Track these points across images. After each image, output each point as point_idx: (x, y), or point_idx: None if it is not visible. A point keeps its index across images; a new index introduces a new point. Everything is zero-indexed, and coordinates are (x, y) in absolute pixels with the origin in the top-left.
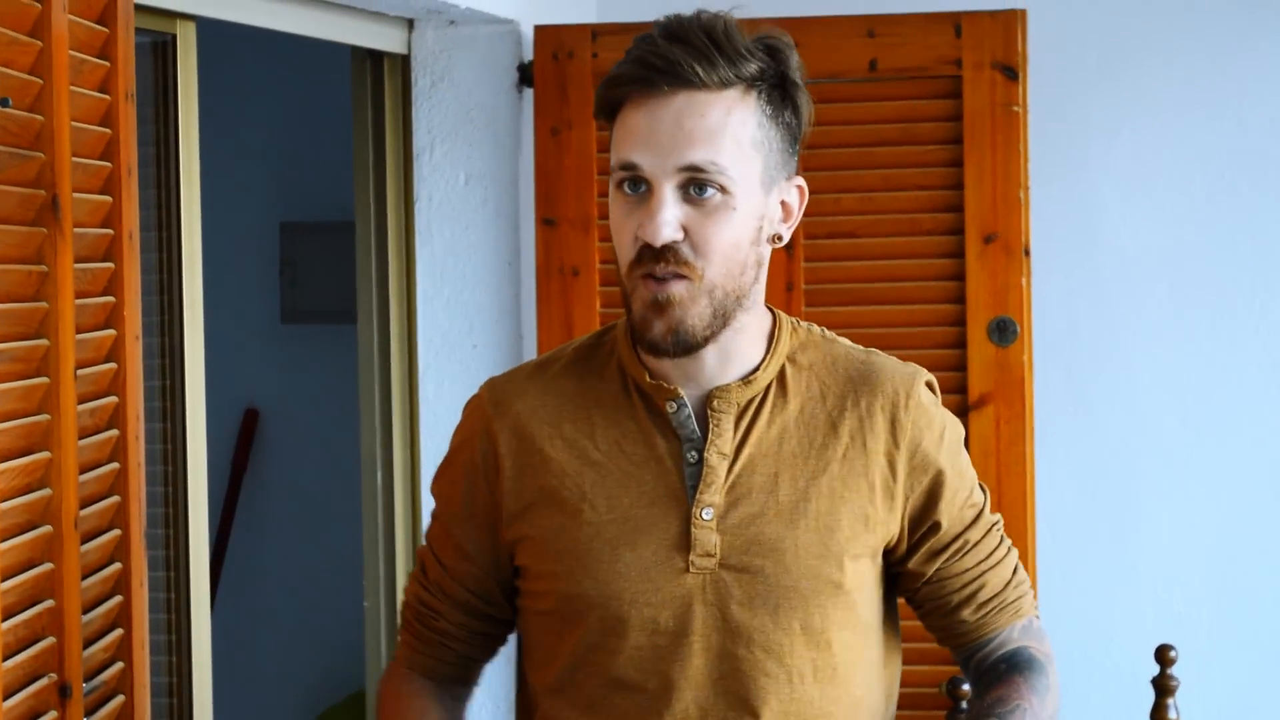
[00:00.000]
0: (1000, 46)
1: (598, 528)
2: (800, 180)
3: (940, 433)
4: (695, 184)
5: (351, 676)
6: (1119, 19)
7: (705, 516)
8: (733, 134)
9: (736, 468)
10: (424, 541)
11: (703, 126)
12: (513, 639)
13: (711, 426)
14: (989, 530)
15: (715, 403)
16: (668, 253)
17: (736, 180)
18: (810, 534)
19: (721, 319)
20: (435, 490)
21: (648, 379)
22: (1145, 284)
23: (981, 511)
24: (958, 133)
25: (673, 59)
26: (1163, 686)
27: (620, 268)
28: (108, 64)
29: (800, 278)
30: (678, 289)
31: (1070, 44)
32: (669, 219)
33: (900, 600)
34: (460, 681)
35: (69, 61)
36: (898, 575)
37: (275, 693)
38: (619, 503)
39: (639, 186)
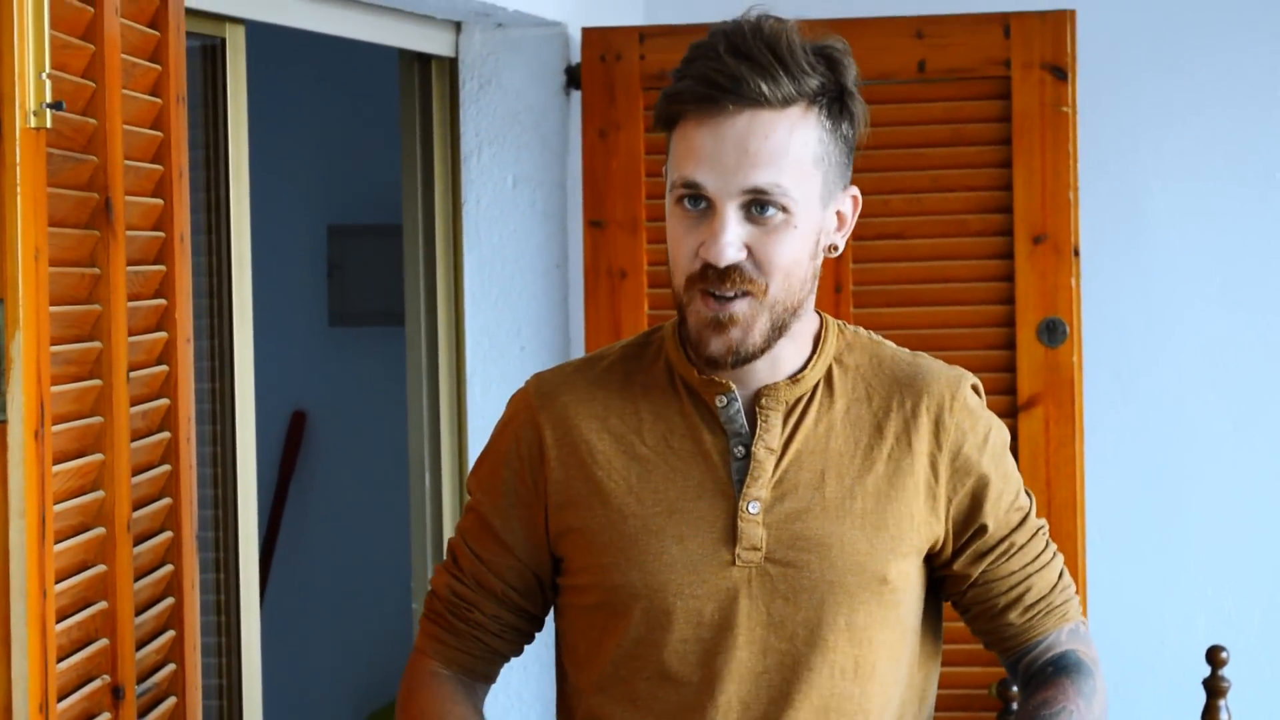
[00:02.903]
0: (1049, 47)
1: (644, 520)
2: (855, 190)
3: (984, 436)
4: (758, 204)
5: (399, 678)
6: (1168, 18)
7: (751, 510)
8: (795, 154)
9: (784, 464)
10: (455, 533)
11: (767, 147)
12: (542, 638)
13: (760, 422)
14: (1035, 534)
15: (763, 400)
16: (732, 272)
17: (798, 200)
18: (856, 531)
19: (778, 332)
20: (474, 481)
21: (698, 375)
22: (1195, 284)
23: (1027, 515)
24: (1007, 133)
25: (738, 76)
26: (1214, 688)
27: (675, 277)
28: (159, 67)
29: (849, 279)
30: (740, 307)
31: (1119, 44)
32: (733, 240)
33: (946, 605)
34: (484, 677)
35: (121, 65)
36: (944, 578)
37: (323, 694)
38: (665, 496)
39: (699, 203)
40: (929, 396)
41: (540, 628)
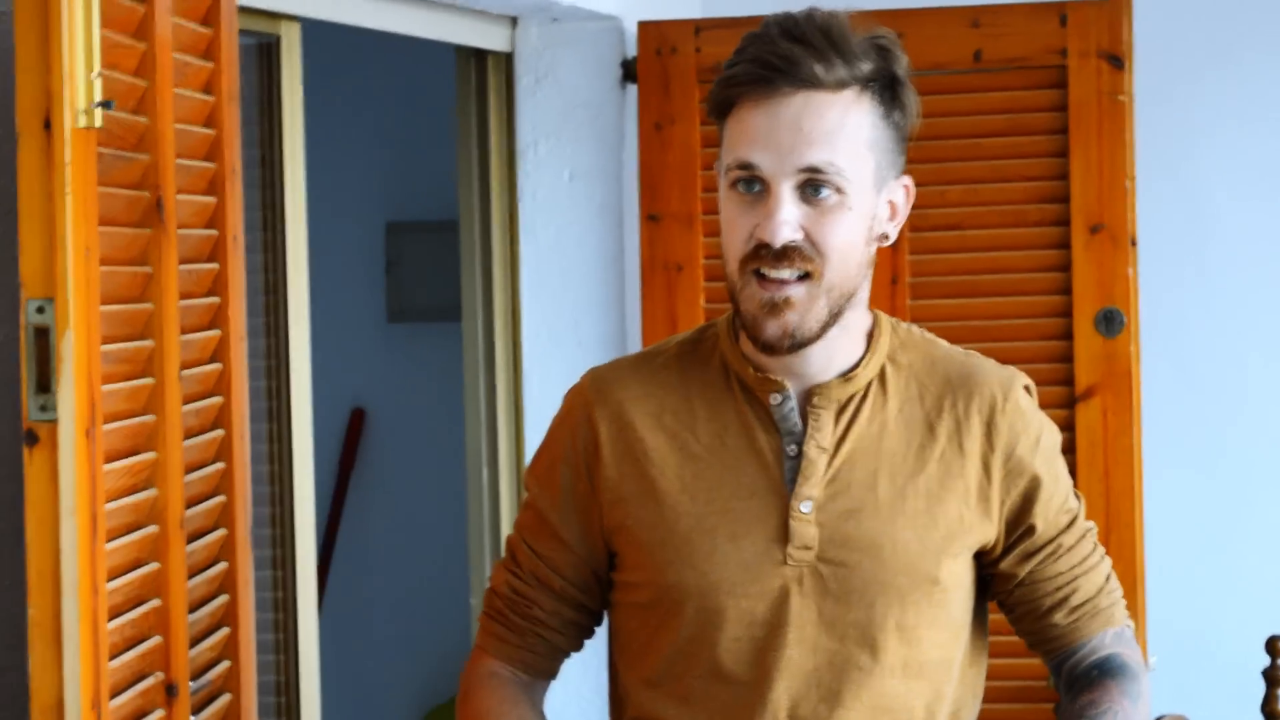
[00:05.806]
0: (1106, 35)
1: (697, 519)
2: (907, 179)
3: (1036, 438)
4: (812, 185)
5: (458, 675)
6: (1226, 6)
7: (804, 510)
8: (849, 135)
9: (836, 462)
10: (513, 530)
11: (821, 127)
12: (600, 632)
13: (811, 421)
14: (1083, 536)
15: (815, 399)
16: (790, 251)
17: (852, 181)
18: (908, 531)
19: (834, 317)
20: (531, 478)
21: (752, 372)
22: (1253, 273)
23: (1076, 517)
24: (1063, 123)
25: (793, 58)
26: (1273, 678)
27: (729, 263)
28: (211, 65)
29: (905, 271)
30: (797, 291)
31: (1177, 32)
32: (788, 219)
33: (992, 604)
34: (545, 674)
35: (173, 63)
36: (991, 577)
37: (382, 691)
38: (718, 495)
39: (754, 186)
40: (980, 397)
41: (600, 622)
